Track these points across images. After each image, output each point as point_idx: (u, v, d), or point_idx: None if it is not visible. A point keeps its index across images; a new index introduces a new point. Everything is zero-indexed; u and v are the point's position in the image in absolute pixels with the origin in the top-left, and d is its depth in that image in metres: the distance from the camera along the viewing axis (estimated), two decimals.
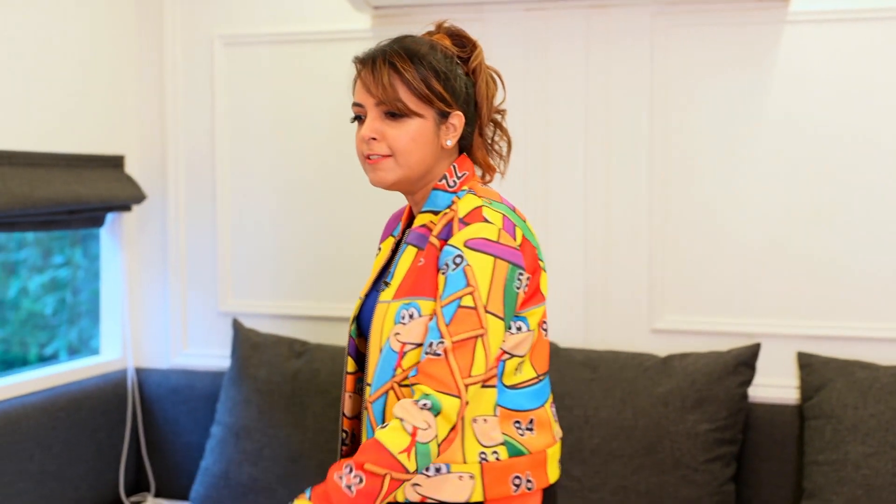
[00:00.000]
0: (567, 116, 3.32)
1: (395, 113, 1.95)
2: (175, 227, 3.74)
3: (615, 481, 3.00)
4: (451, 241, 1.90)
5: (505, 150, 2.15)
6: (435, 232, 1.95)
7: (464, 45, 2.06)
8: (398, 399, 1.91)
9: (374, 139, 1.96)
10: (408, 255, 1.99)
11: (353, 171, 3.49)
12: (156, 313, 3.80)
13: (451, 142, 1.99)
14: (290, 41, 3.58)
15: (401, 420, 1.80)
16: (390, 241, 2.12)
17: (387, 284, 1.98)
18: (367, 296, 2.07)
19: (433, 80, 1.97)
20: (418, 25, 3.39)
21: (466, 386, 1.83)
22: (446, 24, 2.10)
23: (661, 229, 3.26)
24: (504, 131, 2.14)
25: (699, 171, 3.23)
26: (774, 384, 3.15)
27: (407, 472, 1.79)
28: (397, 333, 1.92)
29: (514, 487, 1.94)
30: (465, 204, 1.96)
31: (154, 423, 3.71)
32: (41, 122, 3.30)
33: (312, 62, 3.56)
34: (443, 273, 1.89)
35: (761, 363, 3.12)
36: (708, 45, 3.21)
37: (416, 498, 1.93)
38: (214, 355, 3.71)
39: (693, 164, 3.23)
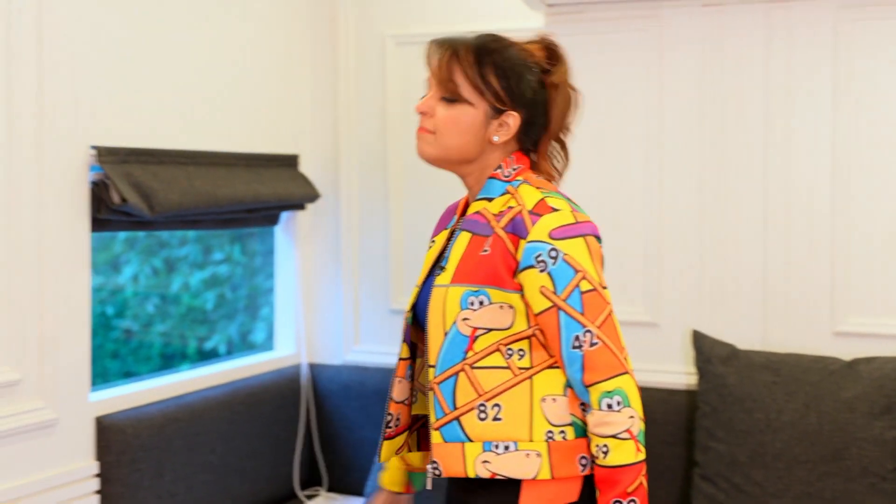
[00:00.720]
0: (745, 113, 3.24)
1: (449, 97, 2.05)
2: (348, 226, 3.80)
3: (799, 487, 2.92)
4: (533, 238, 1.96)
5: (561, 166, 2.17)
6: (502, 224, 2.00)
7: (552, 58, 2.11)
8: (469, 381, 1.99)
9: (424, 113, 2.09)
10: (462, 240, 2.05)
11: None
12: (328, 310, 3.86)
13: (498, 138, 2.06)
14: None
15: (614, 437, 1.92)
16: (444, 234, 2.18)
17: (442, 269, 2.05)
18: (424, 284, 2.13)
19: (491, 75, 2.04)
20: (591, 23, 3.38)
21: (626, 357, 1.96)
22: (546, 37, 2.14)
23: (843, 228, 3.16)
24: (565, 150, 2.16)
25: (885, 168, 3.12)
26: None
27: (645, 460, 1.94)
28: (466, 318, 1.99)
29: (581, 467, 1.98)
30: (529, 196, 2.01)
31: (327, 418, 3.77)
32: (222, 123, 3.38)
33: None
34: (541, 271, 1.95)
35: None
36: (895, 39, 3.10)
37: (487, 474, 1.97)
38: (386, 352, 3.74)
39: (878, 162, 3.13)
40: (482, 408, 1.98)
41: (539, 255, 1.95)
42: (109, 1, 2.92)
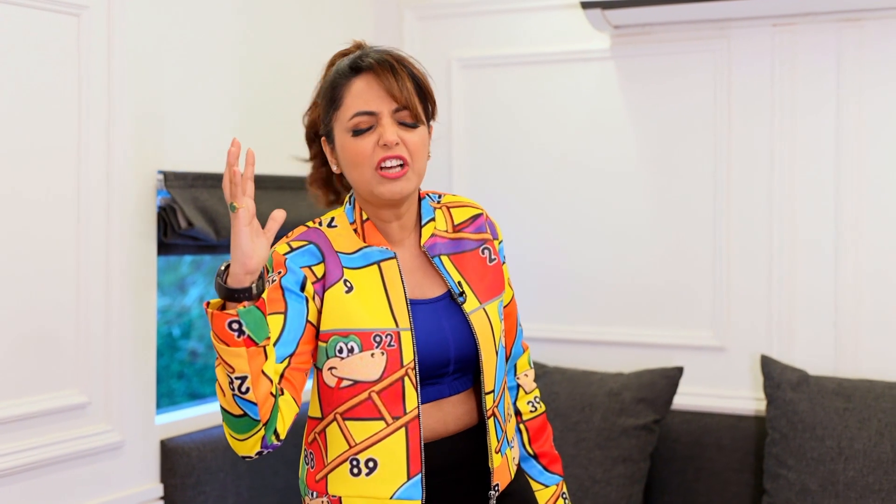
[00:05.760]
0: (816, 131, 3.19)
1: (407, 122, 1.91)
2: None
3: None
4: (501, 237, 2.12)
5: None
6: (471, 230, 2.05)
7: None
8: (505, 390, 2.08)
9: (397, 144, 1.88)
10: (450, 264, 1.98)
11: (594, 191, 3.46)
12: None
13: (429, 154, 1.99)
14: (527, 62, 3.58)
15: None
16: (374, 269, 1.93)
17: (463, 296, 1.96)
18: (421, 317, 1.92)
19: (432, 91, 1.98)
20: (658, 44, 3.35)
21: None
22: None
23: None
24: None
25: None
26: None
27: None
28: (501, 332, 2.05)
29: None
30: (463, 202, 2.10)
31: None
32: (288, 147, 3.38)
33: (550, 83, 3.54)
34: (504, 263, 2.10)
35: None
36: None
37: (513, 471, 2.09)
38: None
39: None
40: (507, 410, 2.09)
41: (502, 252, 2.10)
42: (177, 29, 2.95)
